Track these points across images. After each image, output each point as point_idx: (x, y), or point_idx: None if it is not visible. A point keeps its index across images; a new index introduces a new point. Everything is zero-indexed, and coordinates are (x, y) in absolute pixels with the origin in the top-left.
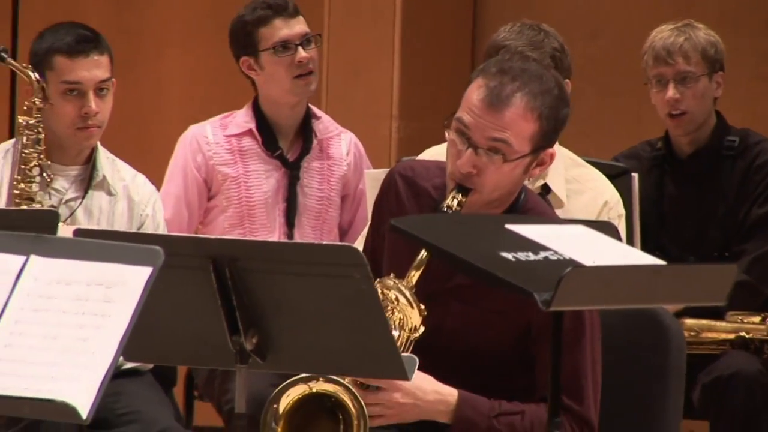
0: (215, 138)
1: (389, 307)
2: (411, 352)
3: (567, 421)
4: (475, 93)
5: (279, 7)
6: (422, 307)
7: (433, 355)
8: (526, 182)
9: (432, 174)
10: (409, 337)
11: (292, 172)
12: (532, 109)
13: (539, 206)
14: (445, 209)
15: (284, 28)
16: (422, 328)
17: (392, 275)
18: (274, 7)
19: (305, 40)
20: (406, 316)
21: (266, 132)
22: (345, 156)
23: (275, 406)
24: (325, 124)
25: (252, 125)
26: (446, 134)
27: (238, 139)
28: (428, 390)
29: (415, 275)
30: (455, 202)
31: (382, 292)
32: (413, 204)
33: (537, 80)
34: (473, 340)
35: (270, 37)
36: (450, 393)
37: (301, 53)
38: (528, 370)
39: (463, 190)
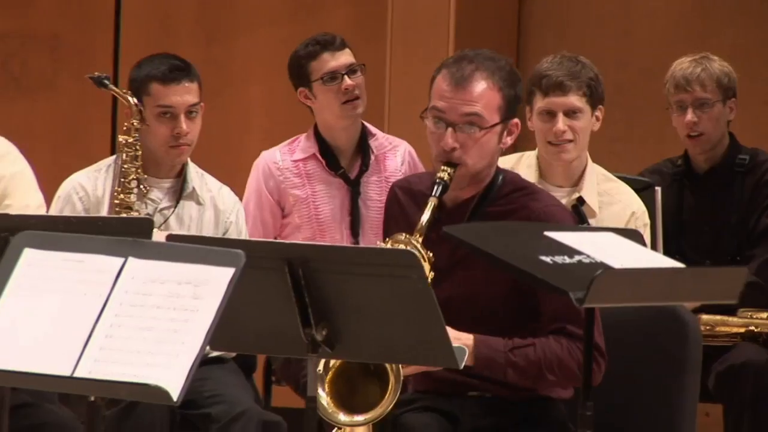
0: (284, 163)
1: None
2: None
3: (574, 345)
4: (442, 81)
5: (326, 42)
6: (430, 254)
7: (450, 318)
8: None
9: (424, 179)
10: None
11: (354, 189)
12: (493, 83)
13: (524, 183)
14: (438, 181)
15: (331, 60)
16: (432, 273)
17: (403, 233)
18: (321, 42)
19: (350, 70)
20: None
21: (328, 154)
22: (400, 166)
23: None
24: (380, 140)
25: (315, 150)
26: (426, 124)
27: (304, 163)
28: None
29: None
30: (446, 174)
31: (393, 245)
32: (413, 206)
33: (491, 60)
34: (480, 299)
35: (319, 69)
36: (467, 337)
37: (347, 81)
38: (525, 316)
39: (451, 164)
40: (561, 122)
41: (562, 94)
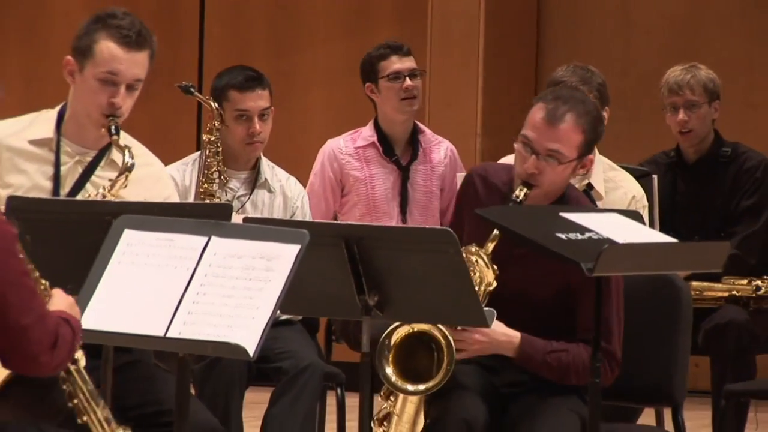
0: (347, 149)
1: (471, 268)
2: (485, 304)
3: (599, 355)
4: (536, 114)
5: (396, 47)
6: (495, 267)
7: (500, 307)
8: (572, 180)
9: (501, 173)
10: (485, 290)
11: (404, 174)
12: (578, 125)
13: (579, 197)
14: (514, 198)
15: (397, 63)
16: (495, 284)
17: (473, 244)
18: (392, 47)
19: (411, 73)
20: (484, 275)
21: (385, 143)
22: (443, 159)
23: (387, 341)
24: (427, 136)
25: (374, 139)
26: (515, 146)
27: (364, 149)
28: (499, 332)
29: (490, 246)
30: (522, 193)
31: (466, 255)
32: (486, 195)
33: (581, 104)
34: (528, 295)
35: (387, 68)
36: (515, 335)
37: (408, 82)
38: (567, 316)
39: (528, 185)
40: None
41: None
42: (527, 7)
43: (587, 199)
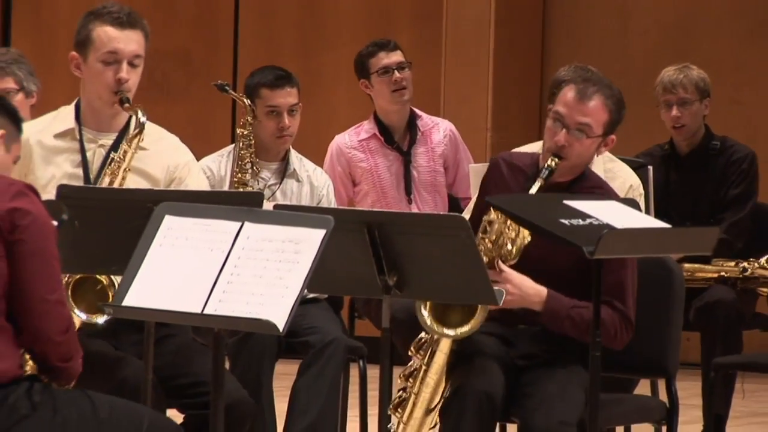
0: (351, 143)
1: (508, 225)
2: (519, 258)
3: (616, 317)
4: (568, 92)
5: (382, 44)
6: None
7: (529, 274)
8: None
9: (524, 158)
10: (521, 244)
11: (406, 158)
12: (606, 105)
13: (599, 180)
14: (547, 167)
15: (385, 58)
16: (529, 238)
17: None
18: (379, 44)
19: (399, 66)
20: (520, 231)
21: (385, 133)
22: (442, 139)
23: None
24: (424, 120)
25: (375, 130)
26: (547, 122)
27: (367, 141)
28: (528, 285)
29: None
30: (554, 162)
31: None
32: (511, 177)
33: (609, 88)
34: (549, 264)
35: (376, 64)
36: (543, 289)
37: (396, 75)
38: (585, 285)
39: (558, 156)
40: None
41: None
42: (533, 12)
43: (604, 181)
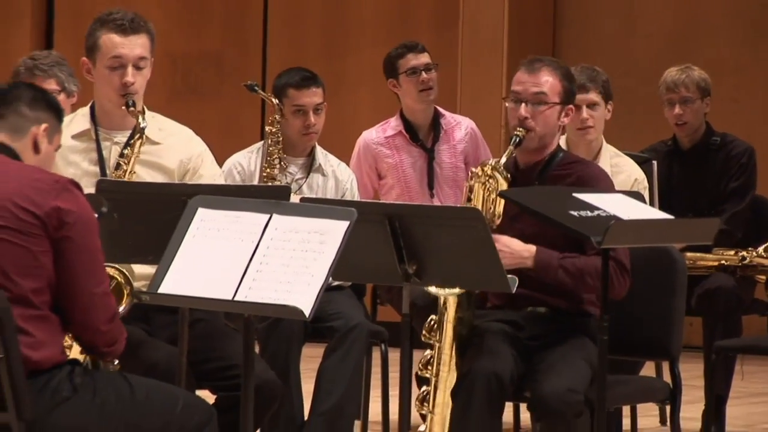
0: (378, 140)
1: (490, 182)
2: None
3: (610, 262)
4: (520, 74)
5: (411, 46)
6: (508, 175)
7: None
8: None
9: None
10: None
11: (430, 154)
12: (555, 74)
13: (577, 157)
14: (513, 136)
15: (413, 59)
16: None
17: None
18: (408, 46)
19: (426, 67)
20: (501, 187)
21: (410, 130)
22: (464, 136)
23: None
24: (447, 118)
25: (401, 128)
26: (506, 105)
27: (393, 138)
28: (517, 243)
29: (501, 159)
30: (521, 133)
31: (482, 169)
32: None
33: (554, 62)
34: (544, 237)
35: (405, 65)
36: (531, 246)
37: (423, 75)
38: (576, 248)
39: (524, 127)
40: (585, 113)
41: (585, 92)
42: (544, 18)
43: (582, 158)
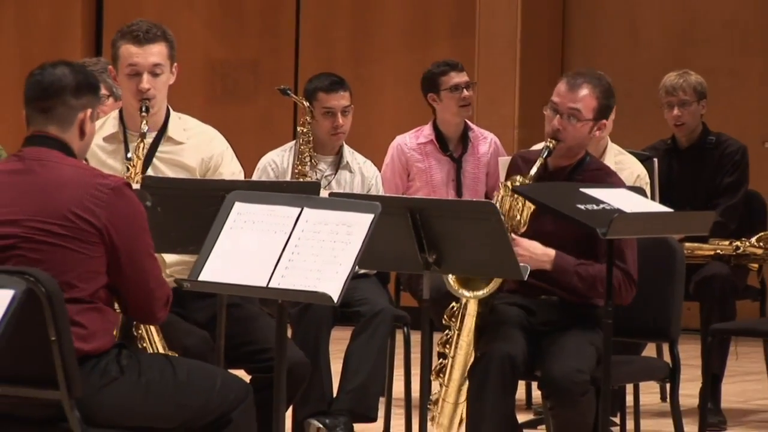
0: (411, 145)
1: (516, 197)
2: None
3: (619, 273)
4: (560, 85)
5: (453, 64)
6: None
7: (541, 242)
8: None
9: (534, 154)
10: (527, 216)
11: (457, 164)
12: (593, 93)
13: (600, 163)
14: (544, 148)
15: (456, 77)
16: (534, 206)
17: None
18: (450, 64)
19: (467, 85)
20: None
21: (441, 140)
22: (488, 150)
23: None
24: (475, 132)
25: (432, 137)
26: (544, 111)
27: (425, 145)
28: (538, 247)
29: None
30: (551, 143)
31: (510, 184)
32: (525, 168)
33: (597, 79)
34: (559, 238)
35: (448, 82)
36: (550, 250)
37: (465, 93)
38: (590, 255)
39: (555, 138)
40: None
41: None
42: (554, 27)
43: (604, 164)
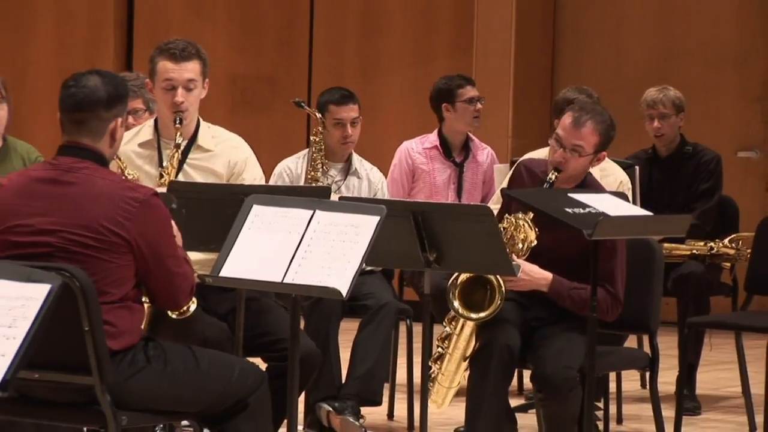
0: (417, 149)
1: (518, 229)
2: (526, 257)
3: (608, 297)
4: (566, 119)
5: (468, 79)
6: (536, 229)
7: (537, 262)
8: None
9: (541, 164)
10: (528, 246)
11: (459, 169)
12: (596, 130)
13: (595, 182)
14: (548, 180)
15: (471, 91)
16: (536, 241)
17: (520, 213)
18: (465, 79)
19: (479, 99)
20: (527, 234)
21: (445, 147)
22: (486, 160)
23: (455, 281)
24: (476, 143)
25: (437, 143)
26: (549, 141)
27: (429, 150)
28: (536, 271)
29: (531, 213)
30: (553, 176)
31: (515, 221)
32: (530, 181)
33: (600, 115)
34: (558, 253)
35: (464, 95)
36: (548, 274)
37: (478, 105)
38: (586, 271)
39: (557, 170)
40: None
41: None
42: (545, 45)
43: (601, 185)
